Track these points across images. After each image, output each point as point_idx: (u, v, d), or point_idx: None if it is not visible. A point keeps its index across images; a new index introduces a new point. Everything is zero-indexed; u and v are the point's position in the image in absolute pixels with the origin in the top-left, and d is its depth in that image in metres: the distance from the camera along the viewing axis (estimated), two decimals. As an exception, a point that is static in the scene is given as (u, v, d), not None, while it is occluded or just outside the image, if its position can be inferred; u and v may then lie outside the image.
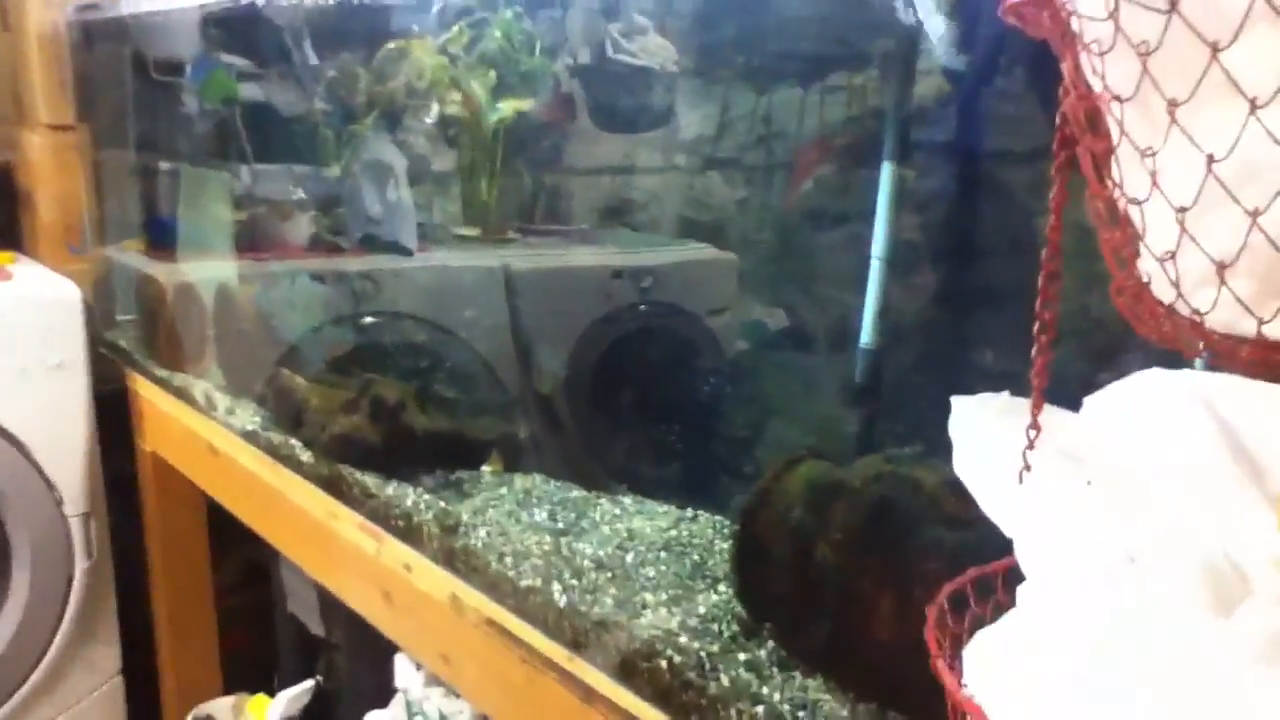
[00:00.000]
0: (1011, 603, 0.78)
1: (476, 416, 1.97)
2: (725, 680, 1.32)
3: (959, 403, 0.86)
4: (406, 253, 2.84)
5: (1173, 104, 0.51)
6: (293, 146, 2.78)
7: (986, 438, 0.83)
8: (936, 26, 1.46)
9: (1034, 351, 0.76)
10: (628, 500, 1.81)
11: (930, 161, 1.58)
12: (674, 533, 1.69)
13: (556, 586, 1.55)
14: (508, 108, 2.09)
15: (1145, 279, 0.60)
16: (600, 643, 1.45)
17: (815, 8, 1.78)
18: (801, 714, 1.28)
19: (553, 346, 2.26)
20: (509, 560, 1.63)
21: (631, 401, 1.99)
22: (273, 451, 2.22)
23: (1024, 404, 0.83)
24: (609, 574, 1.57)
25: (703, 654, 1.36)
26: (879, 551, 1.30)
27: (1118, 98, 0.55)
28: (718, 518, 1.78)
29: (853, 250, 1.91)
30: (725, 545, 1.68)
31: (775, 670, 1.36)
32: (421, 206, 2.46)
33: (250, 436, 2.31)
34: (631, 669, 1.41)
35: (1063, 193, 0.70)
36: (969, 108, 1.55)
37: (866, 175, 1.86)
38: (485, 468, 1.97)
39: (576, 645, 1.50)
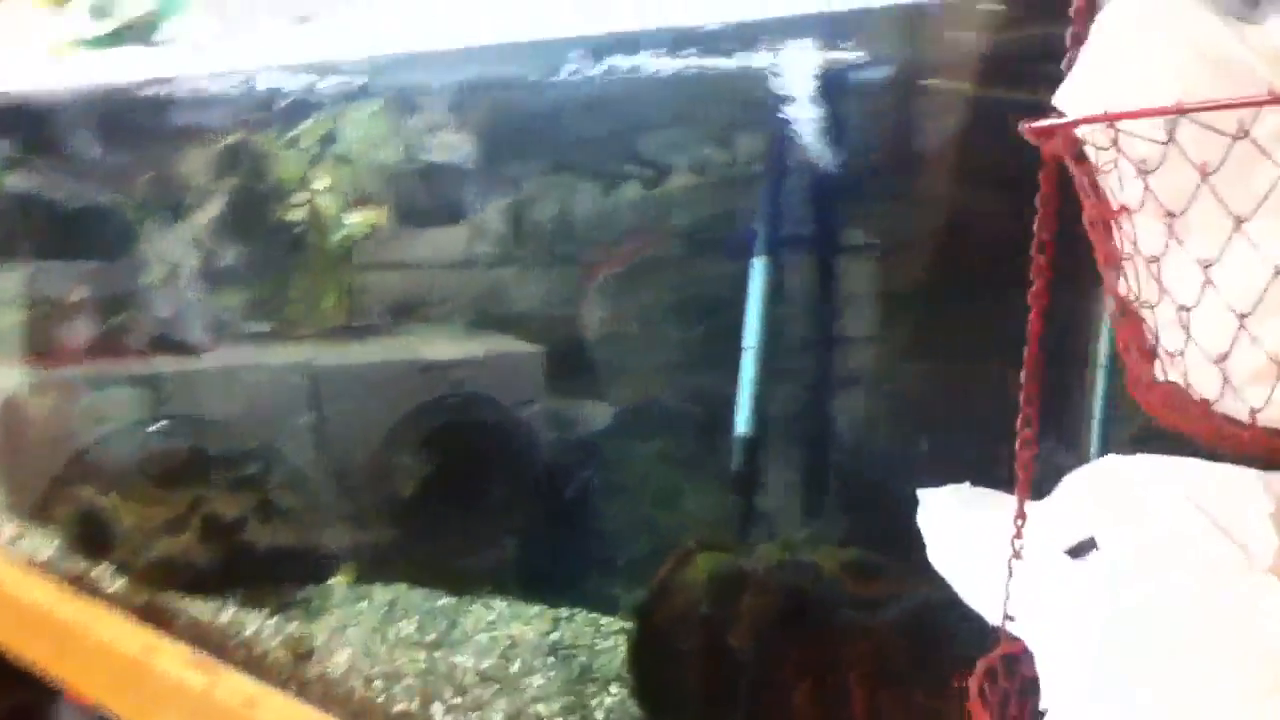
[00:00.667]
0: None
1: (322, 526, 1.82)
2: (646, 793, 1.24)
3: (927, 495, 0.85)
4: (191, 351, 2.65)
5: (1238, 219, 0.53)
6: (76, 241, 2.55)
7: (962, 529, 0.82)
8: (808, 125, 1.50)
9: (1018, 444, 0.76)
10: (500, 603, 1.71)
11: (791, 257, 1.61)
12: (555, 635, 1.60)
13: (437, 707, 1.43)
14: (363, 222, 1.96)
15: (1178, 377, 0.61)
16: (492, 765, 1.34)
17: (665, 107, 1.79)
18: (726, 820, 1.21)
19: (366, 446, 2.12)
20: (378, 684, 1.50)
21: (483, 497, 1.89)
22: (73, 581, 1.97)
23: (989, 494, 0.83)
24: (495, 687, 1.46)
25: (617, 767, 1.28)
26: (794, 639, 1.27)
27: (1170, 213, 0.56)
28: (594, 614, 1.71)
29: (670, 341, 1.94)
30: (608, 644, 1.61)
31: (686, 774, 1.30)
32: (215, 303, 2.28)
33: (41, 566, 2.04)
34: (532, 789, 1.31)
35: (1045, 293, 0.71)
36: (830, 204, 1.59)
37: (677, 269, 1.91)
38: (336, 579, 1.81)
39: (463, 769, 1.39)
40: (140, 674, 1.83)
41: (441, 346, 2.35)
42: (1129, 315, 0.65)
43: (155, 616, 1.82)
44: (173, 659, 1.77)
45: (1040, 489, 0.86)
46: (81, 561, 1.97)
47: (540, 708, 1.43)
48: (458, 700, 1.44)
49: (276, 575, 1.76)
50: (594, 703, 1.45)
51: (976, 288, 1.54)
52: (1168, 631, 0.65)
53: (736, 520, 1.62)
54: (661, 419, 1.95)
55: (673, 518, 1.81)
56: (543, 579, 1.79)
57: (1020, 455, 0.77)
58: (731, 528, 1.60)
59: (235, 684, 1.68)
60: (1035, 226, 0.72)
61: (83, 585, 1.95)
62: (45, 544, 2.06)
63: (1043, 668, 0.73)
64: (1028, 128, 0.63)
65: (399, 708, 1.45)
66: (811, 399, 1.67)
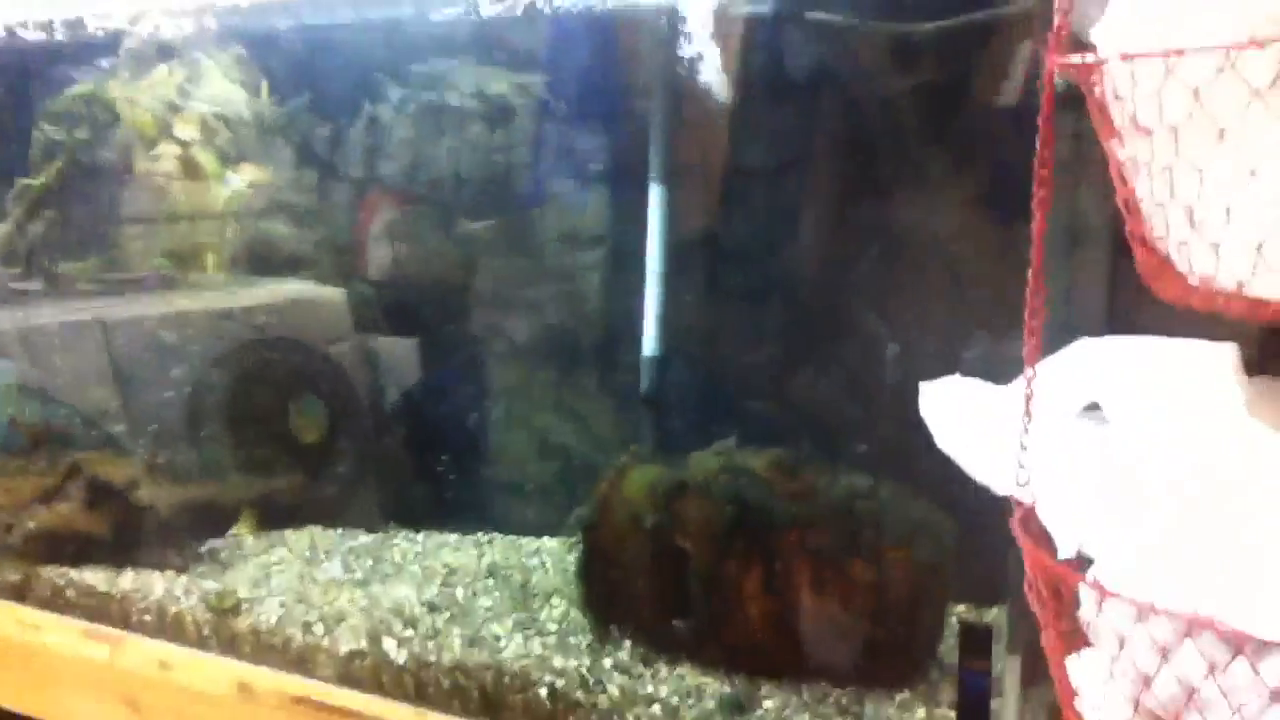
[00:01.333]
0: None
1: (204, 480, 1.77)
2: (614, 689, 1.34)
3: (929, 387, 0.97)
4: None
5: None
6: None
7: (968, 410, 0.95)
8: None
9: (1027, 313, 0.89)
10: (419, 536, 1.74)
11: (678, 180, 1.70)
12: (486, 560, 1.65)
13: (390, 643, 1.46)
14: (244, 181, 1.84)
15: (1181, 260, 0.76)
16: (459, 689, 1.40)
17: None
18: (690, 701, 1.33)
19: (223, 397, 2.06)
20: (318, 628, 1.51)
21: (370, 432, 1.88)
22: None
23: (978, 383, 0.97)
24: (446, 614, 1.51)
25: (581, 670, 1.37)
26: (737, 535, 1.39)
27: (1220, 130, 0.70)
28: (509, 537, 1.77)
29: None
30: (534, 562, 1.69)
31: (644, 668, 1.41)
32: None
33: None
34: (499, 705, 1.38)
35: (1048, 200, 0.85)
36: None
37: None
38: (235, 530, 1.78)
39: (423, 698, 1.43)
40: (22, 655, 1.74)
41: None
42: (1135, 213, 0.79)
43: (31, 593, 1.73)
44: (64, 634, 1.70)
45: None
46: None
47: (495, 627, 1.49)
48: (409, 633, 1.48)
49: (171, 534, 1.70)
50: (543, 616, 1.53)
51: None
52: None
53: (649, 437, 1.73)
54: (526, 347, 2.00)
55: (566, 439, 1.89)
56: (452, 509, 1.83)
57: (1030, 323, 0.88)
58: (640, 445, 1.70)
59: (144, 651, 1.64)
60: (1039, 142, 0.85)
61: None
62: None
63: (1061, 520, 0.87)
64: (1068, 64, 0.75)
65: (347, 648, 1.47)
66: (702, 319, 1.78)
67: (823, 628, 1.38)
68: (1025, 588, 0.91)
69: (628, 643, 1.46)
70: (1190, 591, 0.73)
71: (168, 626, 1.62)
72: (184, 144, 1.82)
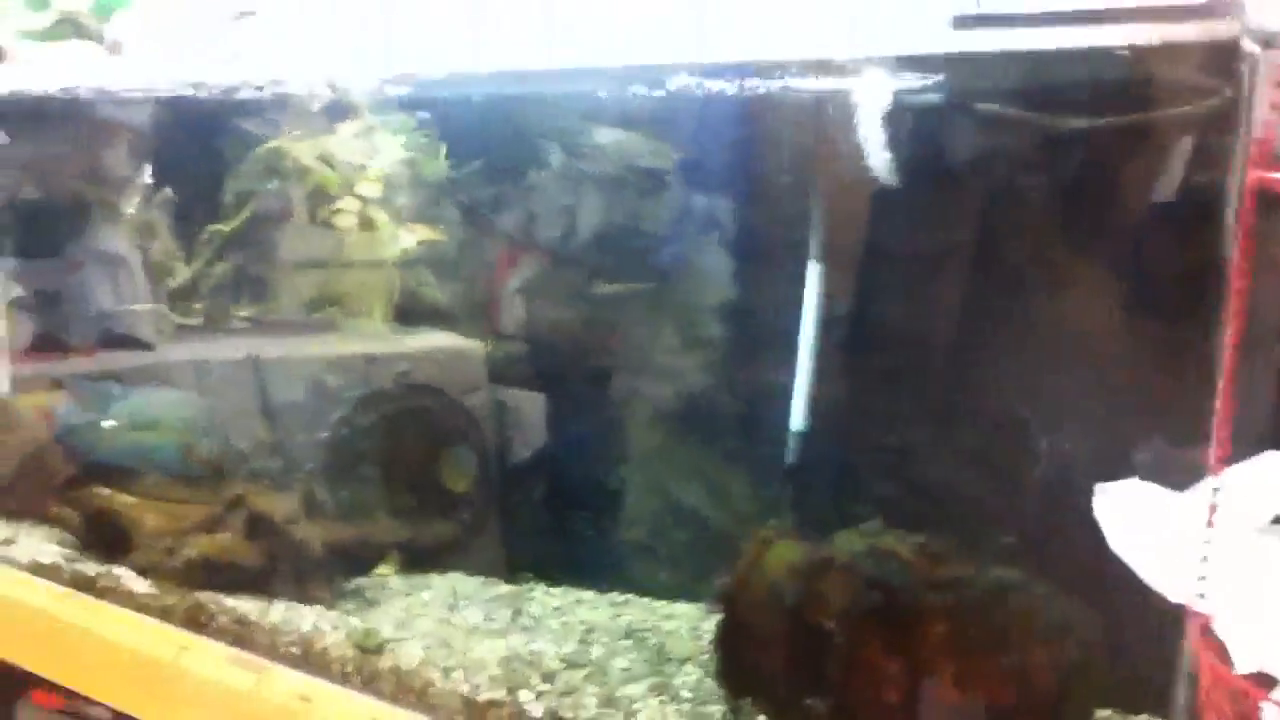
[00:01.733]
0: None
1: (357, 518, 1.85)
2: (750, 762, 1.34)
3: (1106, 489, 0.98)
4: (147, 347, 2.63)
5: None
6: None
7: (1146, 515, 0.95)
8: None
9: (1216, 422, 0.89)
10: (557, 590, 1.78)
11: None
12: (624, 619, 1.68)
13: (526, 694, 1.49)
14: (413, 240, 1.97)
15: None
16: (593, 746, 1.42)
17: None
18: (826, 783, 1.32)
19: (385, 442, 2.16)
20: (457, 674, 1.55)
21: (521, 487, 1.95)
22: (84, 585, 1.93)
23: (1157, 489, 0.97)
24: (582, 671, 1.54)
25: (717, 741, 1.38)
26: (880, 620, 1.39)
27: None
28: (645, 599, 1.80)
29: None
30: (671, 625, 1.71)
31: (775, 744, 1.41)
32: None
33: (44, 570, 1.99)
34: (634, 767, 1.39)
35: (1243, 311, 0.85)
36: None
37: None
38: (381, 570, 1.85)
39: (557, 752, 1.45)
40: (169, 676, 1.81)
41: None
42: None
43: (185, 617, 1.81)
44: (209, 659, 1.77)
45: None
46: (94, 564, 1.93)
47: (630, 689, 1.51)
48: (546, 687, 1.51)
49: (322, 571, 1.78)
50: (677, 682, 1.55)
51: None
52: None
53: (788, 510, 1.74)
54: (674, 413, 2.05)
55: (701, 508, 1.92)
56: (591, 566, 1.87)
57: (1218, 432, 0.88)
58: (781, 518, 1.71)
59: (286, 682, 1.70)
60: (1238, 253, 0.86)
61: (96, 589, 1.92)
62: (46, 547, 2.01)
63: (1242, 635, 0.86)
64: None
65: (485, 697, 1.50)
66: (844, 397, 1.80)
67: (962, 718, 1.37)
68: (1200, 699, 0.90)
69: (762, 717, 1.46)
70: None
71: (312, 659, 1.68)
72: (364, 200, 1.93)
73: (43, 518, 2.07)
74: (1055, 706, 1.35)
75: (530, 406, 2.21)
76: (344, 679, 1.65)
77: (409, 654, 1.61)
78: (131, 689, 1.87)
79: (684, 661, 1.62)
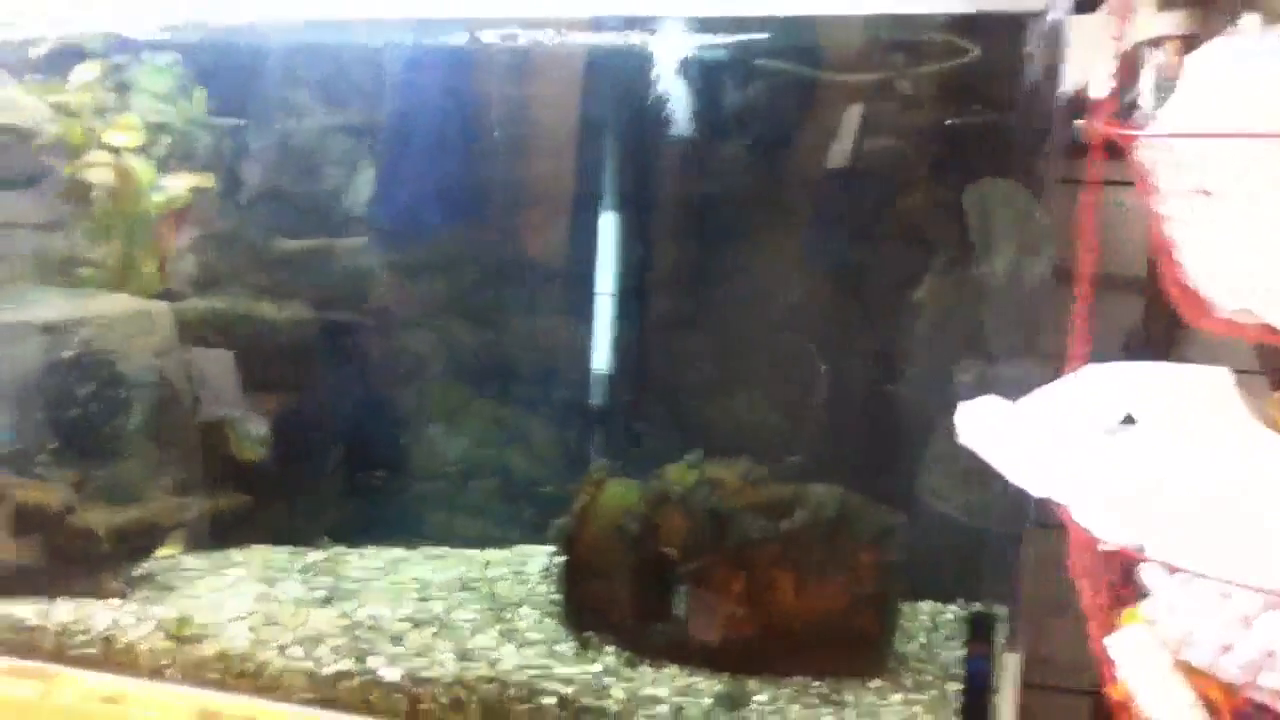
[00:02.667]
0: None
1: (146, 498, 1.69)
2: (619, 692, 1.41)
3: (966, 407, 1.11)
4: None
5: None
6: None
7: (1005, 421, 1.09)
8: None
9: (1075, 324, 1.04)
10: (370, 551, 1.74)
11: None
12: (456, 571, 1.68)
13: (377, 660, 1.47)
14: (180, 187, 1.75)
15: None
16: (459, 704, 1.42)
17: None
18: (688, 699, 1.42)
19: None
20: (296, 650, 1.50)
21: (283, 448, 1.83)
22: None
23: (1004, 403, 1.12)
24: (430, 630, 1.53)
25: (585, 677, 1.44)
26: (720, 545, 1.50)
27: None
28: (459, 549, 1.81)
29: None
30: (496, 573, 1.73)
31: (629, 670, 1.49)
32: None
33: None
34: (503, 716, 1.42)
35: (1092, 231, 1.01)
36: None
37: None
38: (164, 551, 1.71)
39: (416, 716, 1.45)
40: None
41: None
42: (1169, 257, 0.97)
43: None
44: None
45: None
46: None
47: (480, 639, 1.53)
48: (398, 649, 1.49)
49: (109, 560, 1.62)
50: (521, 626, 1.58)
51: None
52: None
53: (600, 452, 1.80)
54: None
55: (501, 455, 1.93)
56: (392, 524, 1.84)
57: (1075, 350, 1.04)
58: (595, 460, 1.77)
59: (84, 686, 1.55)
60: (1084, 198, 1.01)
61: None
62: None
63: (1098, 516, 1.03)
64: (1119, 134, 0.91)
65: (332, 669, 1.46)
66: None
67: (798, 626, 1.51)
68: (1071, 571, 1.06)
69: (609, 647, 1.53)
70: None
71: (114, 657, 1.55)
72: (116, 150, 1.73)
73: None
74: (877, 604, 1.53)
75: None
76: (158, 674, 1.54)
77: (234, 636, 1.53)
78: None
79: (519, 605, 1.66)
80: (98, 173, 1.70)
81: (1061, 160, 1.25)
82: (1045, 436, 1.08)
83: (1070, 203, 1.21)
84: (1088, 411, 1.08)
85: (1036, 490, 1.11)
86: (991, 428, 1.12)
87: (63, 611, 1.59)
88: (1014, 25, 1.29)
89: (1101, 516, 1.04)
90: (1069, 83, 1.12)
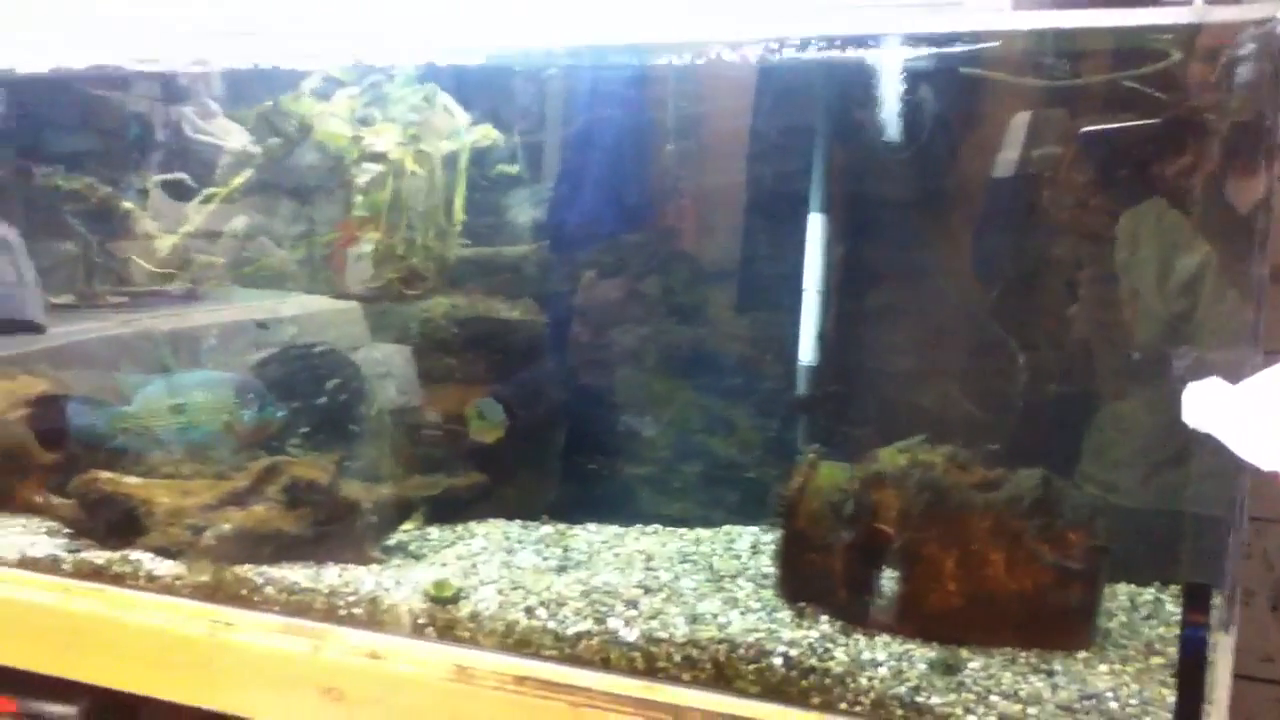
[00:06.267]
0: None
1: (400, 476, 1.91)
2: (842, 655, 1.55)
3: (1196, 387, 1.21)
4: (37, 329, 2.58)
5: None
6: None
7: (1239, 400, 1.19)
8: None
9: None
10: (593, 527, 1.92)
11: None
12: (673, 546, 1.84)
13: (616, 622, 1.63)
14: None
15: None
16: (691, 661, 1.57)
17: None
18: (902, 664, 1.55)
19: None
20: (541, 611, 1.67)
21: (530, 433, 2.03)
22: (92, 575, 1.90)
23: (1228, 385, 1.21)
24: (660, 596, 1.69)
25: (807, 641, 1.57)
26: (933, 521, 1.62)
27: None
28: (670, 528, 1.97)
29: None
30: (708, 549, 1.89)
31: (843, 637, 1.62)
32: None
33: (38, 564, 1.93)
34: (733, 674, 1.56)
35: None
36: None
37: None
38: (408, 525, 1.92)
39: (653, 672, 1.60)
40: (208, 654, 1.83)
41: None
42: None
43: (231, 594, 1.83)
44: (258, 631, 1.80)
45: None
46: (101, 552, 1.90)
47: (705, 605, 1.68)
48: (633, 613, 1.66)
49: (371, 531, 1.84)
50: (740, 595, 1.73)
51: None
52: None
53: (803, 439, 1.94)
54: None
55: (707, 442, 2.09)
56: (611, 503, 2.02)
57: None
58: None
59: (351, 642, 1.76)
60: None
61: (109, 576, 1.89)
62: (34, 540, 1.95)
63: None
64: None
65: (574, 629, 1.63)
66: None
67: (1007, 599, 1.62)
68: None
69: (824, 616, 1.67)
70: None
71: (378, 618, 1.75)
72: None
73: (25, 510, 2.00)
74: (1085, 582, 1.63)
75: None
76: (416, 632, 1.74)
77: (485, 599, 1.71)
78: (167, 672, 1.87)
79: (735, 577, 1.80)
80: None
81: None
82: (1273, 412, 1.17)
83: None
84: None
85: (1267, 464, 1.20)
86: (1218, 406, 1.22)
87: (330, 575, 1.81)
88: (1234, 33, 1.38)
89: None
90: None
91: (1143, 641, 1.63)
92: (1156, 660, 1.57)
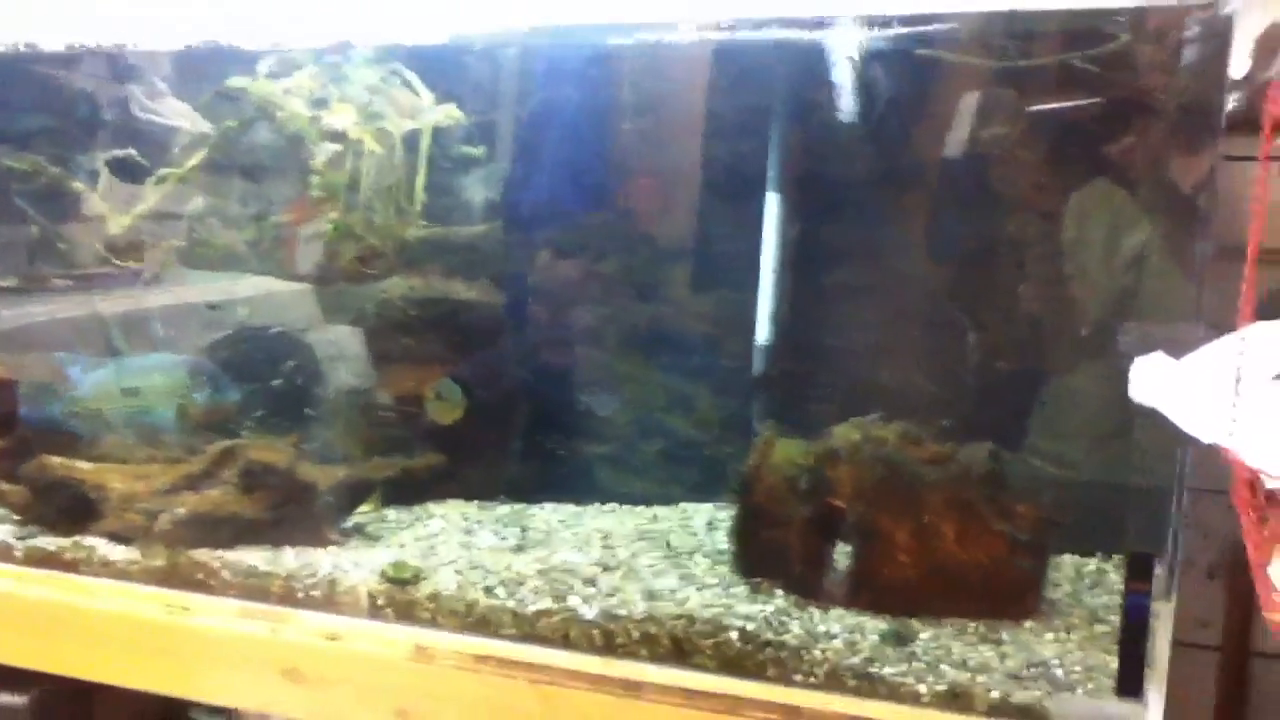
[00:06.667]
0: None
1: (357, 457, 1.92)
2: (797, 629, 1.58)
3: (1141, 362, 1.25)
4: None
5: None
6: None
7: (1179, 374, 1.23)
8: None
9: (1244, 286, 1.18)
10: (549, 505, 1.94)
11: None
12: (631, 523, 1.86)
13: (575, 600, 1.65)
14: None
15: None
16: (650, 638, 1.60)
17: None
18: (856, 636, 1.58)
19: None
20: (500, 590, 1.69)
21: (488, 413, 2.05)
22: (45, 561, 1.89)
23: (1172, 360, 1.25)
24: (618, 573, 1.72)
25: (764, 615, 1.60)
26: (887, 495, 1.66)
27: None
28: (626, 505, 2.00)
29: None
30: (663, 526, 1.92)
31: (798, 611, 1.65)
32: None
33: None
34: (690, 649, 1.59)
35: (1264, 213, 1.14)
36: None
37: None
38: (365, 507, 1.93)
39: (611, 649, 1.63)
40: (168, 639, 1.82)
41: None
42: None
43: (187, 578, 1.82)
44: (215, 614, 1.80)
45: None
46: (53, 538, 1.89)
47: (662, 582, 1.71)
48: (591, 590, 1.68)
49: (329, 513, 1.84)
50: (696, 572, 1.76)
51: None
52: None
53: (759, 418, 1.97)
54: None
55: (665, 420, 2.12)
56: (569, 482, 2.04)
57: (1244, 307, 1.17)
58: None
59: (308, 624, 1.77)
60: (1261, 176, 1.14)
61: (63, 563, 1.88)
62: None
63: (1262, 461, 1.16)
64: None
65: (534, 608, 1.65)
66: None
67: (957, 571, 1.66)
68: (1237, 506, 1.20)
69: (780, 592, 1.70)
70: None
71: (337, 600, 1.76)
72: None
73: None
74: (1032, 553, 1.67)
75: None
76: (375, 613, 1.75)
77: (444, 580, 1.73)
78: (125, 658, 1.87)
79: (691, 554, 1.83)
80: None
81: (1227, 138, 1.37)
82: (1215, 386, 1.22)
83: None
84: (1255, 362, 1.21)
85: (1206, 436, 1.24)
86: (1162, 381, 1.26)
87: (288, 558, 1.81)
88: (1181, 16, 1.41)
89: (1270, 455, 1.17)
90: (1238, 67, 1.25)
91: (1087, 610, 1.68)
92: (1100, 628, 1.62)
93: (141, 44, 2.24)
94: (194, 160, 2.02)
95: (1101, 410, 1.76)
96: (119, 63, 2.45)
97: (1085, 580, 1.80)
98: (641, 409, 2.08)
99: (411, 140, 1.98)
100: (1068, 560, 1.86)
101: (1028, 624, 1.64)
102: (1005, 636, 1.60)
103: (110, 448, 1.94)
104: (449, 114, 2.03)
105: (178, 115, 2.31)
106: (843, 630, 1.60)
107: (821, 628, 1.60)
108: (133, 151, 2.23)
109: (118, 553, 1.86)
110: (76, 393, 1.91)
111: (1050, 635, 1.61)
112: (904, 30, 1.63)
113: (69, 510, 1.88)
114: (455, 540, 1.86)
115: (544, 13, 1.81)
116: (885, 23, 1.61)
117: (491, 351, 2.07)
